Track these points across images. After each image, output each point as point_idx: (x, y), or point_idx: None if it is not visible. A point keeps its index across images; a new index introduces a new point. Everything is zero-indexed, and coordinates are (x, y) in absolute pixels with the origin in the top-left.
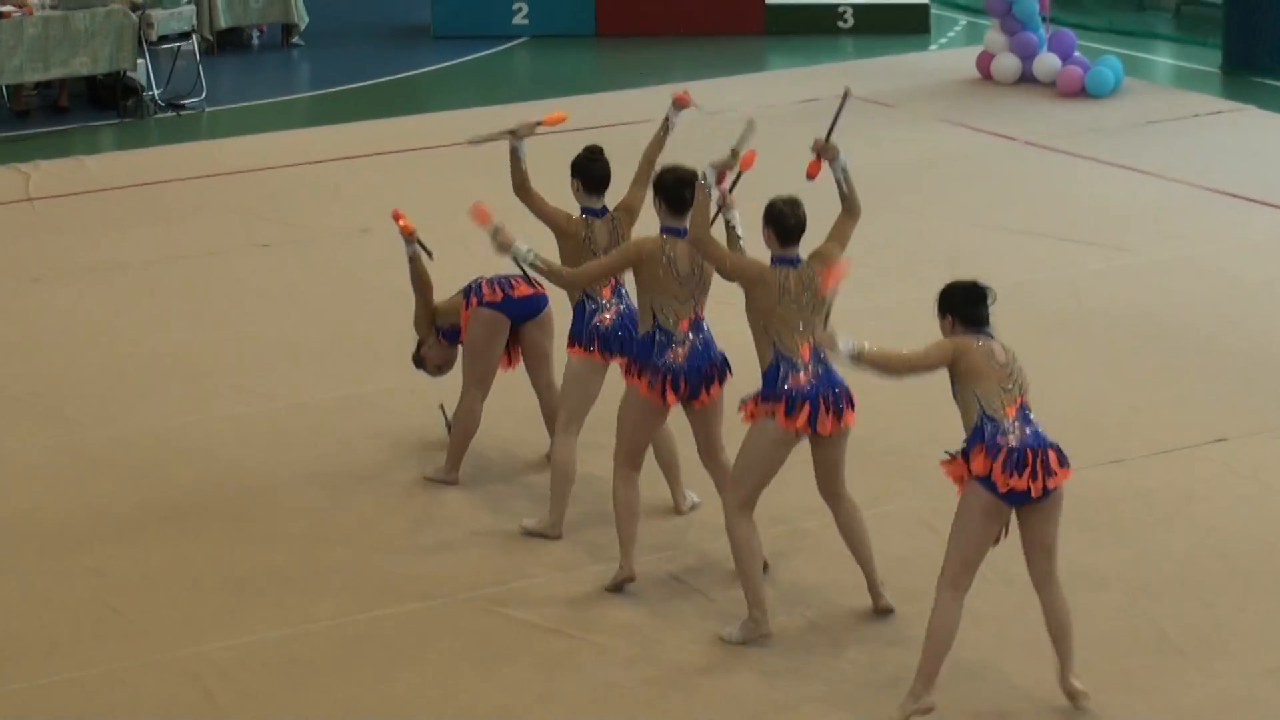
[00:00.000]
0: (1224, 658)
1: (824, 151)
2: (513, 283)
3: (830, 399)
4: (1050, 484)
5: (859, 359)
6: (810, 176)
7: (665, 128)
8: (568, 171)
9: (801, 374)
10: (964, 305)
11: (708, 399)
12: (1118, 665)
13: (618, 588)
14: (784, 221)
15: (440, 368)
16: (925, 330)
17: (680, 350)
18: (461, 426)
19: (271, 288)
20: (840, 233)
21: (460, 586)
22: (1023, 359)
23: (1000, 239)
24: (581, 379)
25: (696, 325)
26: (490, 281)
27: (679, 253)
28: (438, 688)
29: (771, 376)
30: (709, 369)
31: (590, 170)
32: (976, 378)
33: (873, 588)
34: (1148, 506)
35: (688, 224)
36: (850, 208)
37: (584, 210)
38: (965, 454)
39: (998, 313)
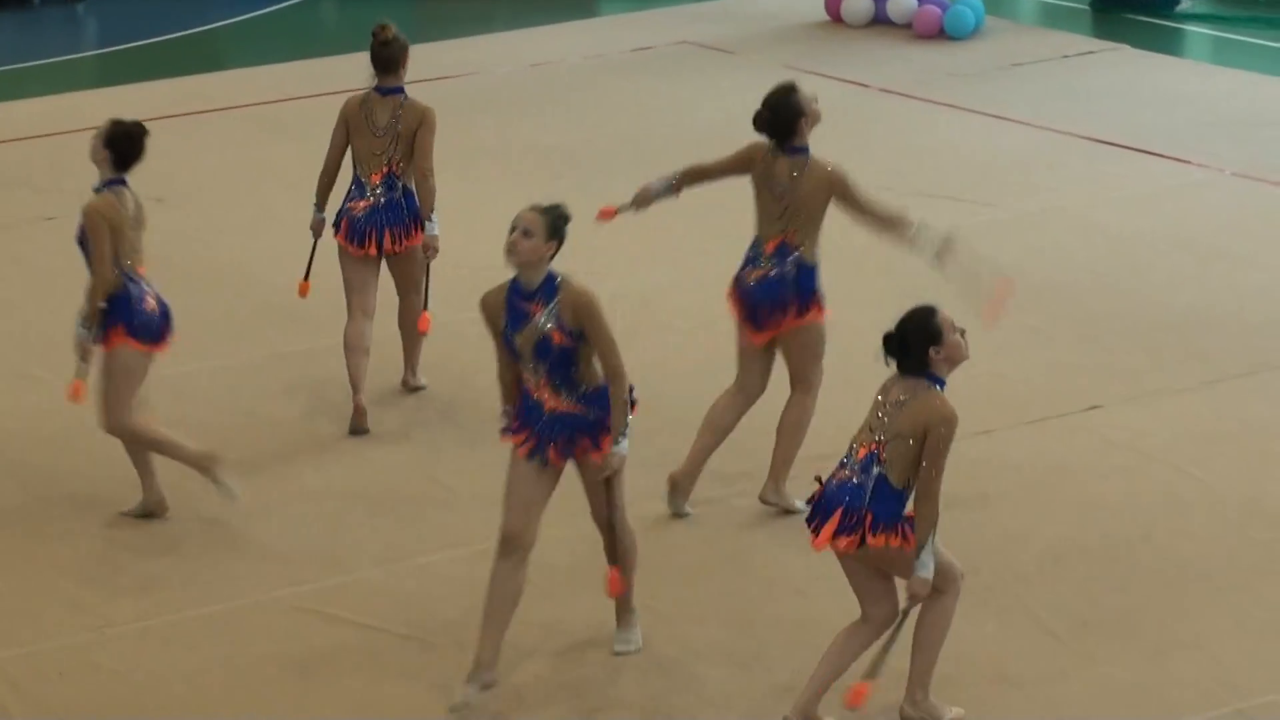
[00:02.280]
0: (1104, 643)
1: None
2: None
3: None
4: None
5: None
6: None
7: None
8: None
9: None
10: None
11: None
12: (990, 655)
13: None
14: None
15: None
16: None
17: None
18: None
19: (60, 265)
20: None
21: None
22: (883, 327)
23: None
24: None
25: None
26: None
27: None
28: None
29: None
30: None
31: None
32: None
33: None
34: (1018, 481)
35: None
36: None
37: None
38: None
39: (846, 279)
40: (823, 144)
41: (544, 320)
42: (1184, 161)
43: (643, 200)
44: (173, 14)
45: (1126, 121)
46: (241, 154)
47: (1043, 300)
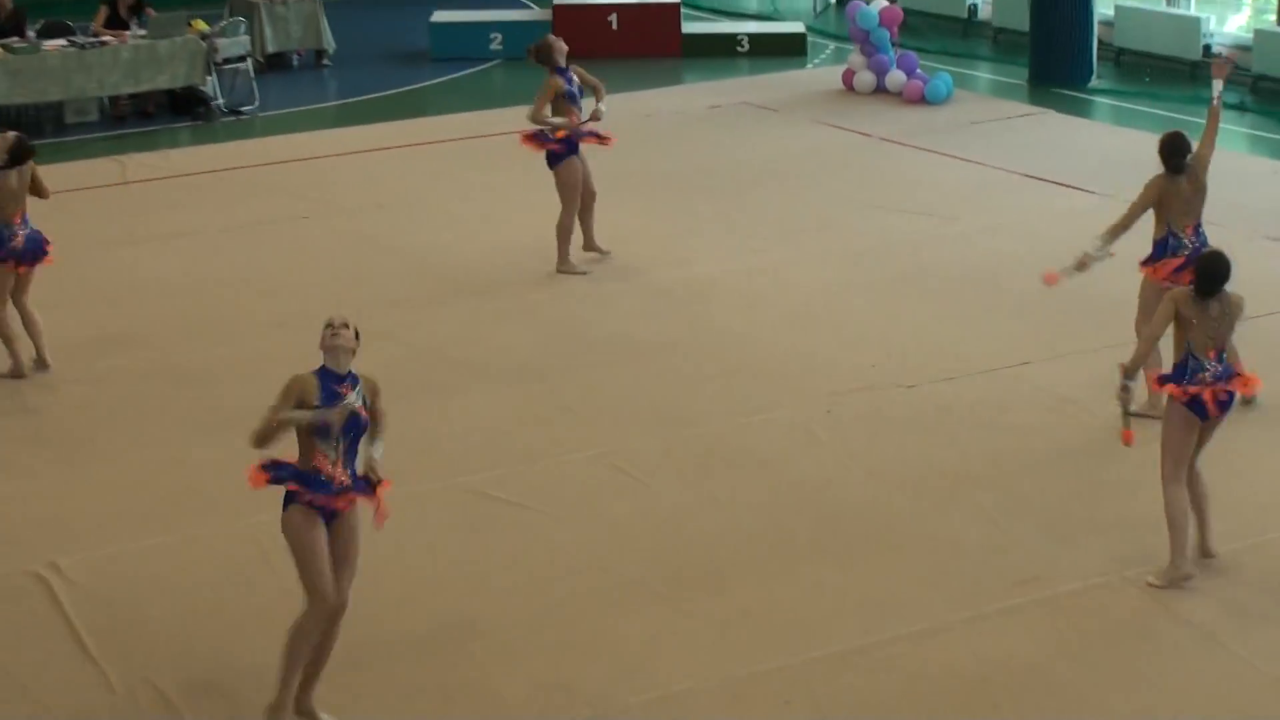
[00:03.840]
0: (1021, 524)
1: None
2: None
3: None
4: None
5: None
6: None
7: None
8: None
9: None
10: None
11: None
12: (945, 534)
13: None
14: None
15: None
16: (801, 284)
17: None
18: None
19: (309, 248)
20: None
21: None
22: (879, 310)
23: (859, 211)
24: None
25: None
26: None
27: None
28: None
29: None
30: None
31: None
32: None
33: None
34: (969, 419)
35: None
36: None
37: None
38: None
39: (860, 267)
40: (837, 177)
41: (353, 399)
42: (1091, 192)
43: (1083, 266)
44: (392, 76)
45: (1051, 163)
46: (437, 175)
47: (989, 287)
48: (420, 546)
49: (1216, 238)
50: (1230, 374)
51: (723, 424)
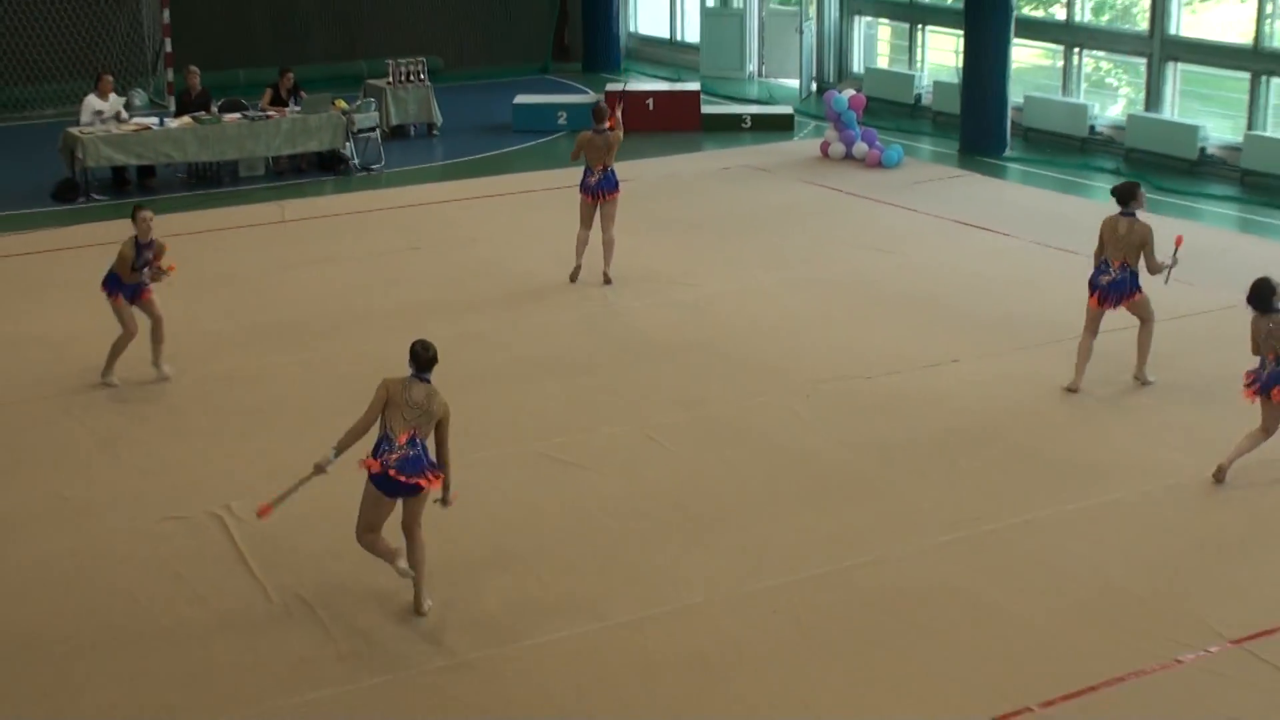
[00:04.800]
0: (954, 480)
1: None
2: None
3: None
4: None
5: None
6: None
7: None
8: None
9: None
10: (1256, 300)
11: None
12: (895, 487)
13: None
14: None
15: None
16: (787, 300)
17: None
18: None
19: (419, 272)
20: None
21: None
22: (847, 321)
23: (831, 248)
24: None
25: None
26: None
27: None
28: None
29: None
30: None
31: None
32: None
33: None
34: (915, 402)
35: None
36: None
37: None
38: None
39: (832, 289)
40: (816, 222)
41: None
42: (1005, 234)
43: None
44: (484, 143)
45: (975, 213)
46: (517, 218)
47: (928, 302)
48: (503, 493)
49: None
50: None
51: (728, 406)
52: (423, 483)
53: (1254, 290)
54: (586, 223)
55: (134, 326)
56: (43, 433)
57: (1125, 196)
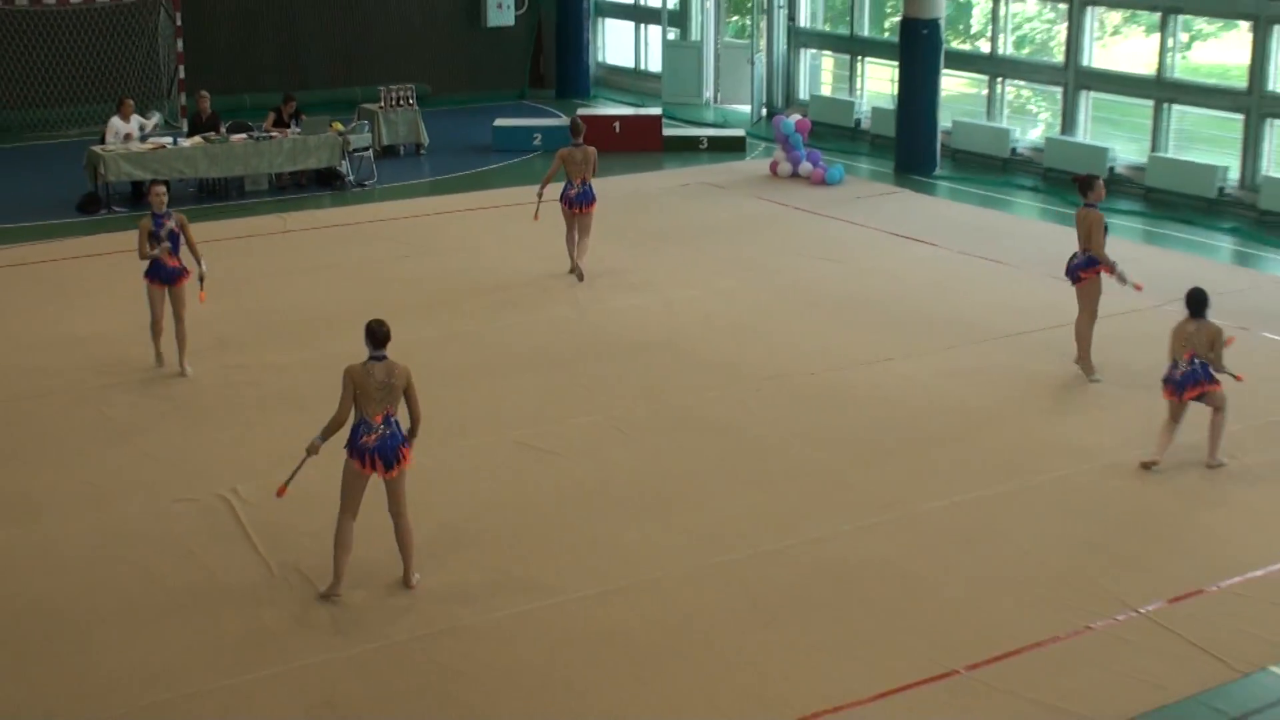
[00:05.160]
0: (887, 465)
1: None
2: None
3: None
4: None
5: None
6: None
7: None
8: None
9: None
10: (1195, 306)
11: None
12: (835, 471)
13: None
14: None
15: None
16: (739, 303)
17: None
18: None
19: (408, 278)
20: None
21: None
22: (792, 322)
23: (779, 256)
24: None
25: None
26: None
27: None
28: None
29: None
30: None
31: None
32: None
33: None
34: (853, 394)
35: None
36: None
37: None
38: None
39: (779, 293)
40: (765, 233)
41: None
42: (934, 244)
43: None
44: (467, 161)
45: (907, 225)
46: (495, 228)
47: (865, 305)
48: (483, 477)
49: (1013, 277)
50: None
51: (685, 398)
52: (402, 461)
53: (1193, 298)
54: (571, 227)
55: (160, 313)
56: (68, 423)
57: (1084, 187)
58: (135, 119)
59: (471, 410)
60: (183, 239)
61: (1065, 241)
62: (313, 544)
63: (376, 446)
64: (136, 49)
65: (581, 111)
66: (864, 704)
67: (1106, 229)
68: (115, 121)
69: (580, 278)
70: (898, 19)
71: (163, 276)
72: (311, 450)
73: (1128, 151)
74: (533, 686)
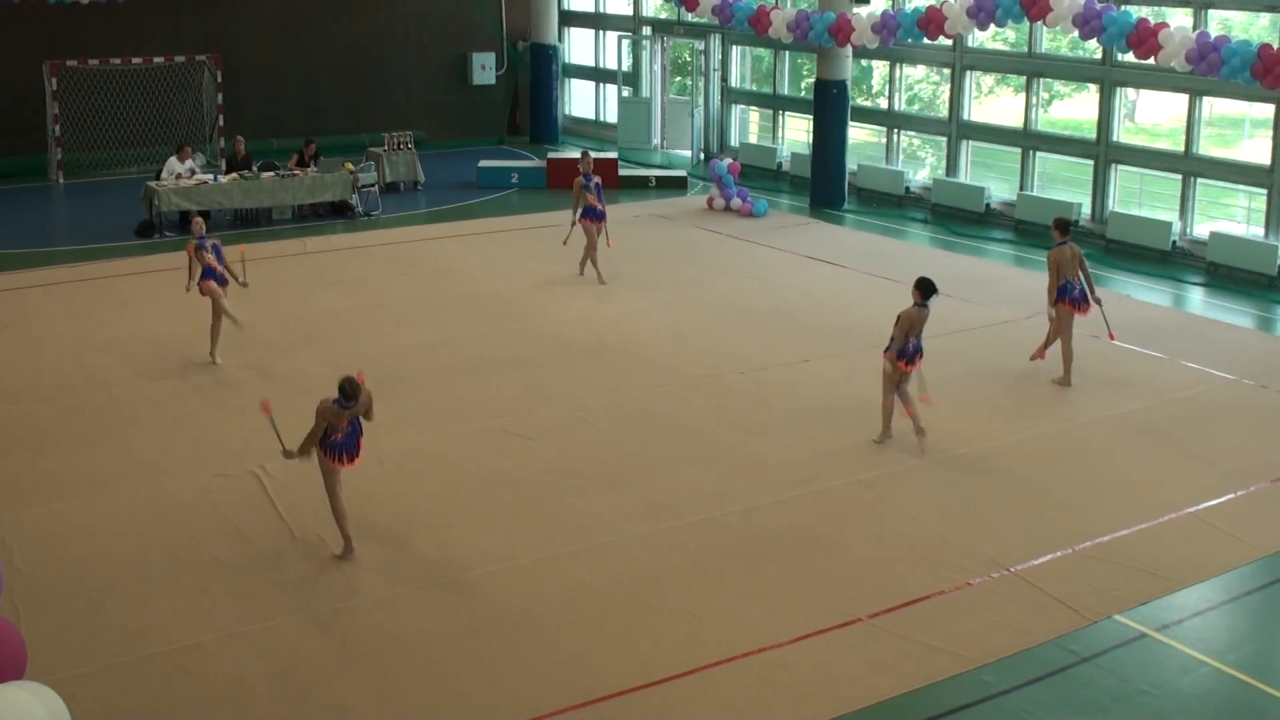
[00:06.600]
0: (804, 448)
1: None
2: None
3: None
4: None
5: None
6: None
7: None
8: None
9: None
10: (927, 291)
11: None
12: (760, 454)
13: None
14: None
15: None
16: (681, 314)
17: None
18: None
19: (405, 292)
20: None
21: None
22: (725, 329)
23: (714, 275)
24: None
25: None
26: None
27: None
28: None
29: None
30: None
31: None
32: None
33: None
34: (777, 390)
35: None
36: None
37: None
38: None
39: (714, 305)
40: (702, 256)
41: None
42: (842, 266)
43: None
44: (456, 195)
45: (820, 250)
46: (480, 251)
47: (783, 315)
48: (467, 458)
49: (907, 292)
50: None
51: (636, 393)
52: (358, 455)
53: (923, 285)
54: (591, 240)
55: (220, 308)
56: (126, 410)
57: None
58: (188, 162)
59: (459, 402)
60: (223, 251)
61: (947, 264)
62: (328, 513)
63: (343, 443)
64: (185, 101)
65: (551, 155)
66: (783, 646)
67: (1083, 261)
68: (173, 161)
69: (599, 276)
70: (812, 80)
71: (215, 277)
72: (287, 456)
73: (1000, 190)
74: (511, 631)
